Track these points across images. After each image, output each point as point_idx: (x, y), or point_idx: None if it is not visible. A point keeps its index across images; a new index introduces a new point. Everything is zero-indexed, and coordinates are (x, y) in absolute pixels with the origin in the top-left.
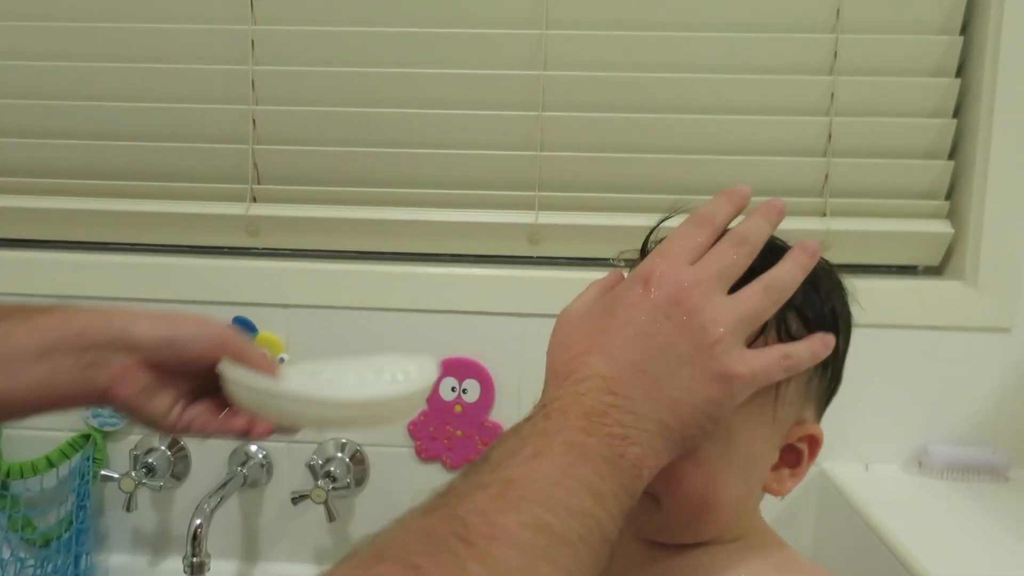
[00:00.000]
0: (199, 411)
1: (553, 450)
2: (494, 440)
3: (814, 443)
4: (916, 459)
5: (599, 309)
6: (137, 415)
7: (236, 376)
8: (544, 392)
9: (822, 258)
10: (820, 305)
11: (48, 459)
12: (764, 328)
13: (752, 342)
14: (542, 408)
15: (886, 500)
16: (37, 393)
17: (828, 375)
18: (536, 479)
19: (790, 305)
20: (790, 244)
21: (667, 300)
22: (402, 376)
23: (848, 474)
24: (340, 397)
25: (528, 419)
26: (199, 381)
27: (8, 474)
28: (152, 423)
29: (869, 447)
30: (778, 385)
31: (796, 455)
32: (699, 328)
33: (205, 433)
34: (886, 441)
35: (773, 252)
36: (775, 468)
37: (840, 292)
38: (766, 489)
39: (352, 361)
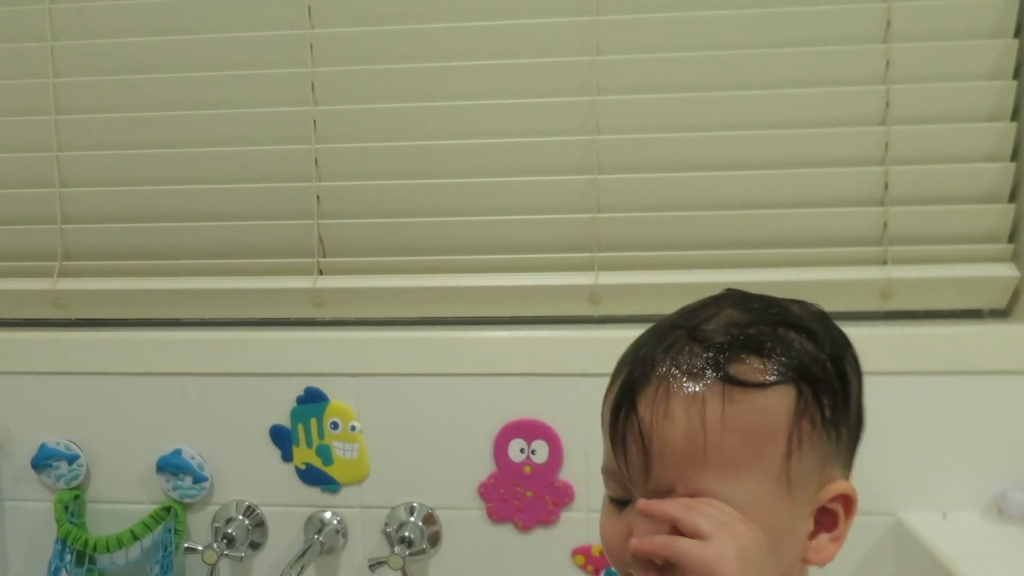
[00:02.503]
0: None
1: None
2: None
3: (848, 501)
4: (995, 506)
5: None
6: None
7: None
8: None
9: (809, 305)
10: (821, 356)
11: (132, 532)
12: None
13: None
14: None
15: (968, 550)
16: None
17: (842, 430)
18: None
19: (801, 370)
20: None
21: None
22: None
23: (926, 523)
24: None
25: None
26: None
27: (95, 548)
28: None
29: (945, 495)
30: (789, 456)
31: (831, 517)
32: None
33: None
34: (962, 488)
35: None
36: (812, 536)
37: (837, 339)
38: (806, 561)
39: None
